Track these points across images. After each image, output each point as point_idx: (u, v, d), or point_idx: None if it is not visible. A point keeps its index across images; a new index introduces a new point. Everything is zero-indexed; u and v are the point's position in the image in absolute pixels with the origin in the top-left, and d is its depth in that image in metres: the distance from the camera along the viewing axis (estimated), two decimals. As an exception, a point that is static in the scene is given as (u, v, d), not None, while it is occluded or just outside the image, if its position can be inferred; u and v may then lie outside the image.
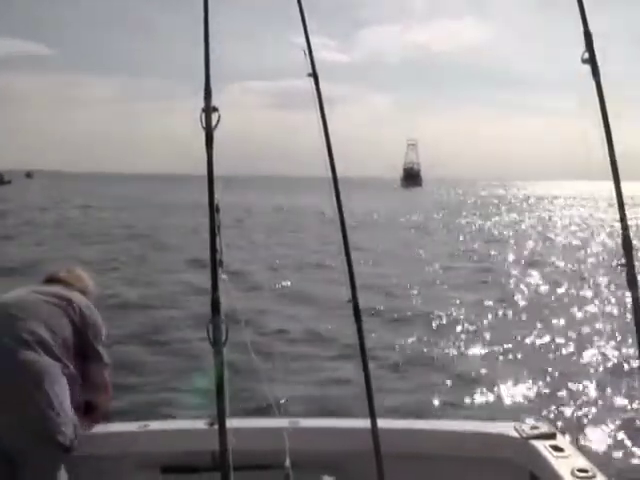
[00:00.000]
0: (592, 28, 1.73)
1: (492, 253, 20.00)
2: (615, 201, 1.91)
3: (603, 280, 13.85)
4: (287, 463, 2.43)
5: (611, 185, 1.84)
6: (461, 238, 25.05)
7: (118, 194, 59.59)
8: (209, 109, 1.84)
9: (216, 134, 1.87)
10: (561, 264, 17.24)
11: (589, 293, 12.71)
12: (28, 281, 3.28)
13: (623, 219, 1.87)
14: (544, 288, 13.40)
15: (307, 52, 2.11)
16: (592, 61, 1.73)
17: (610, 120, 1.85)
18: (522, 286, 13.59)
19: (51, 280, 3.18)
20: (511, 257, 19.00)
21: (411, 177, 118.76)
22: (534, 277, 14.53)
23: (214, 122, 1.84)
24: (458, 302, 11.38)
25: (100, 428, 3.22)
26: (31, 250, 17.74)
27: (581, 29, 1.76)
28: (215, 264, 1.86)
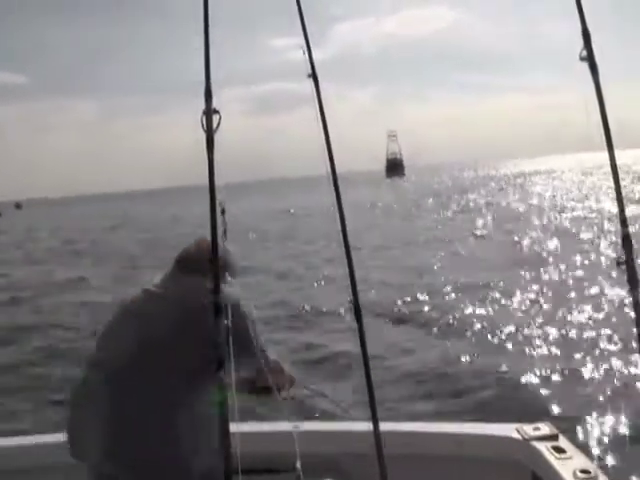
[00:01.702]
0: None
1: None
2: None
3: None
4: (298, 465, 2.43)
5: (610, 181, 1.85)
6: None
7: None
8: (210, 111, 1.83)
9: (217, 137, 1.87)
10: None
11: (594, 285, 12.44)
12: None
13: (623, 217, 1.87)
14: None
15: (306, 53, 2.11)
16: (590, 60, 1.74)
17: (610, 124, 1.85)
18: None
19: (179, 262, 2.49)
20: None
21: (394, 168, 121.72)
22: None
23: (215, 124, 1.84)
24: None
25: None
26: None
27: (579, 27, 1.77)
28: (217, 267, 1.86)
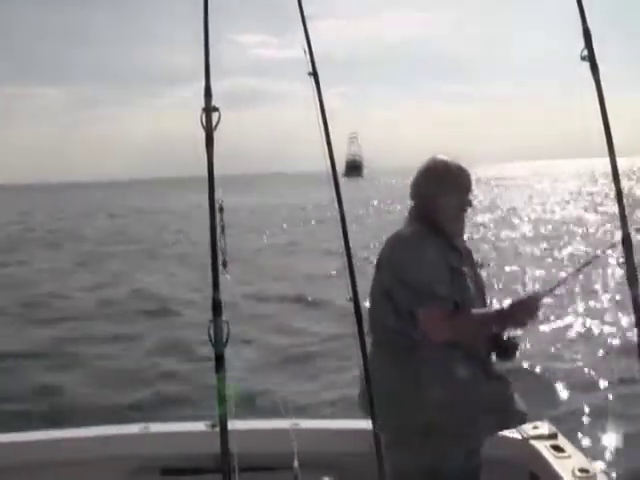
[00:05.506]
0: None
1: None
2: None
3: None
4: (295, 464, 2.43)
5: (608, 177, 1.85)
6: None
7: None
8: (209, 109, 1.83)
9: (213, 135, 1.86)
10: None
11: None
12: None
13: (623, 217, 1.87)
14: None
15: (307, 51, 2.11)
16: (591, 59, 1.74)
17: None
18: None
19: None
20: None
21: (354, 169, 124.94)
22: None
23: (214, 122, 1.84)
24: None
25: (100, 430, 3.21)
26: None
27: (580, 27, 1.76)
28: (216, 264, 1.85)
